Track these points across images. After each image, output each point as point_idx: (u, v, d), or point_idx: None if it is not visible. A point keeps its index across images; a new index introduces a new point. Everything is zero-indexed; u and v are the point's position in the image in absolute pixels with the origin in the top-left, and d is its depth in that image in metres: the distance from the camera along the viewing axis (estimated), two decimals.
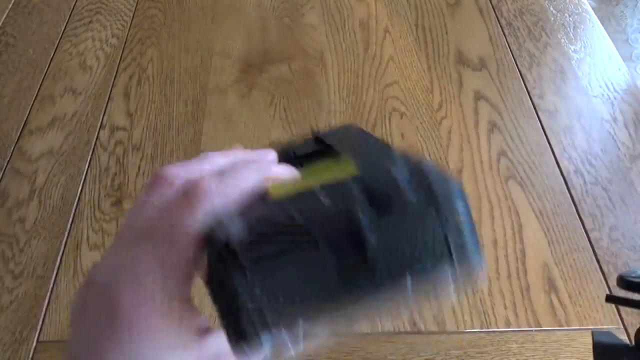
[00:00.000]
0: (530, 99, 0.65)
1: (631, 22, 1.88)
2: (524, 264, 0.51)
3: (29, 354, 0.45)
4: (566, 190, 0.56)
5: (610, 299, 0.30)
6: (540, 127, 0.62)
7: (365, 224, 0.19)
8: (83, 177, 0.58)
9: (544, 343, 0.46)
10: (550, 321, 0.47)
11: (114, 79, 0.68)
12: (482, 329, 0.47)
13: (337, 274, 0.19)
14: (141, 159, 0.59)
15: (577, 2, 0.78)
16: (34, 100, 0.65)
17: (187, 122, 0.63)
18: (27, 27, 0.75)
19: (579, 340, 0.46)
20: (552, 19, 0.75)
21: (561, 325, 0.47)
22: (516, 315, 0.47)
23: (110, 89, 0.66)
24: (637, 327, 0.30)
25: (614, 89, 0.66)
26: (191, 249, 0.20)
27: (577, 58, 0.70)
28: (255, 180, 0.22)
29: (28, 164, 0.59)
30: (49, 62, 0.70)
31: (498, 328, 0.47)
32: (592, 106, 0.64)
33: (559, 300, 0.48)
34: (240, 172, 0.23)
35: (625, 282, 0.28)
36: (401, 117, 0.63)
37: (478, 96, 0.65)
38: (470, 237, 0.20)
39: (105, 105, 0.65)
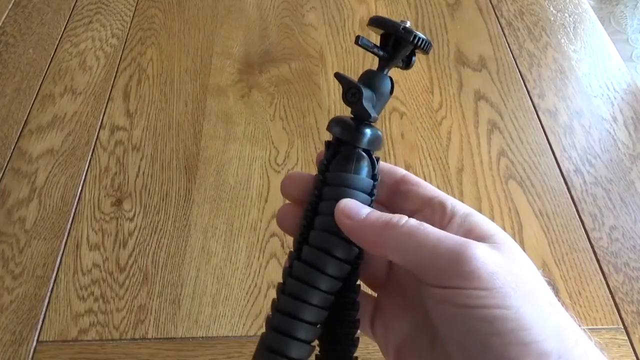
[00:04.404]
0: (530, 99, 0.65)
1: (631, 22, 1.88)
2: None
3: (29, 354, 0.45)
4: (566, 190, 0.56)
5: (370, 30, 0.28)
6: (540, 127, 0.62)
7: None
8: (83, 177, 0.58)
9: None
10: None
11: (114, 79, 0.68)
12: None
13: None
14: (141, 159, 0.59)
15: (577, 2, 0.78)
16: (34, 100, 0.65)
17: (187, 122, 0.63)
18: (27, 27, 0.75)
19: None
20: (552, 19, 0.75)
21: None
22: None
23: (110, 89, 0.66)
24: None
25: (614, 89, 0.66)
26: None
27: (577, 58, 0.70)
28: None
29: (28, 164, 0.59)
30: (49, 62, 0.70)
31: None
32: (592, 106, 0.64)
33: (559, 300, 0.48)
34: None
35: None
36: (401, 117, 0.63)
37: (478, 96, 0.65)
38: None
39: (105, 105, 0.65)
